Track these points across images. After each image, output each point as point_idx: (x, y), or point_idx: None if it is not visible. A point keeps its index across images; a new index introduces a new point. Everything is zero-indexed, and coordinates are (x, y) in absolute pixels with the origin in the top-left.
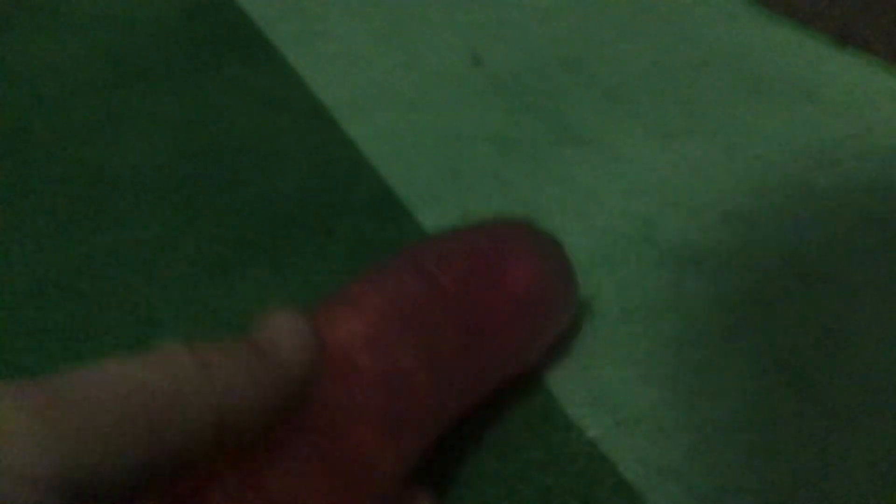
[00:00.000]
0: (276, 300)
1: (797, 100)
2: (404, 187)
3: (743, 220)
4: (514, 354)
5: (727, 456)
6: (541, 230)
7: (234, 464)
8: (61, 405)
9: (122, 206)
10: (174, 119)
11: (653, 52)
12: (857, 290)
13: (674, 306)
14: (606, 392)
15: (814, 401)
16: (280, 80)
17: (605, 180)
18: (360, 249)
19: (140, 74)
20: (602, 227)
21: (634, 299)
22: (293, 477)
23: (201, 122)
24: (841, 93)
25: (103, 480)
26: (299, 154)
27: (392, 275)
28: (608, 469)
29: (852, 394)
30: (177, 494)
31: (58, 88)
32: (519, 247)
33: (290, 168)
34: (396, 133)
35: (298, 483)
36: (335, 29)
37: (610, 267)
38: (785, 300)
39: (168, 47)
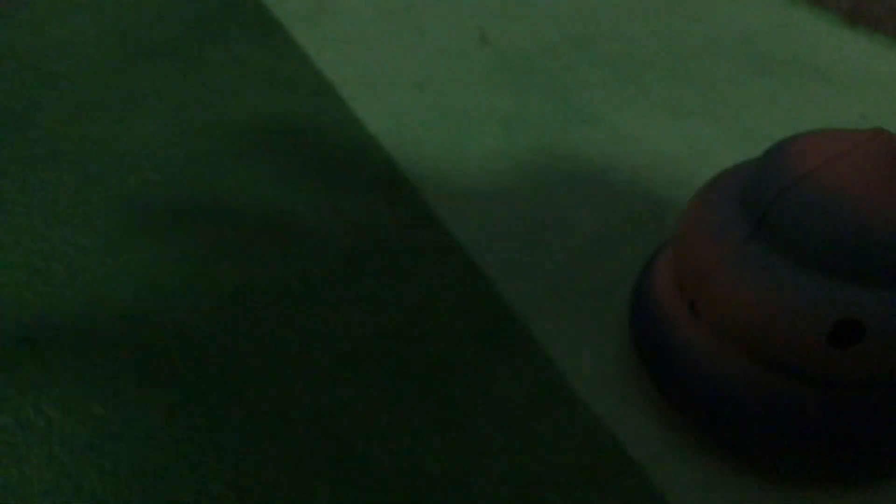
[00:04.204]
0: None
1: (807, 79)
2: (411, 165)
3: None
4: None
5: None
6: None
7: None
8: None
9: (128, 184)
10: (181, 97)
11: (662, 32)
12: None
13: None
14: (613, 368)
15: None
16: (287, 58)
17: (613, 159)
18: (366, 227)
19: (147, 53)
20: (610, 207)
21: None
22: None
23: (208, 100)
24: (851, 72)
25: None
26: (306, 132)
27: None
28: (613, 446)
29: None
30: None
31: (66, 67)
32: None
33: (297, 146)
34: (403, 111)
35: None
36: (342, 7)
37: (616, 246)
38: None
39: (175, 26)
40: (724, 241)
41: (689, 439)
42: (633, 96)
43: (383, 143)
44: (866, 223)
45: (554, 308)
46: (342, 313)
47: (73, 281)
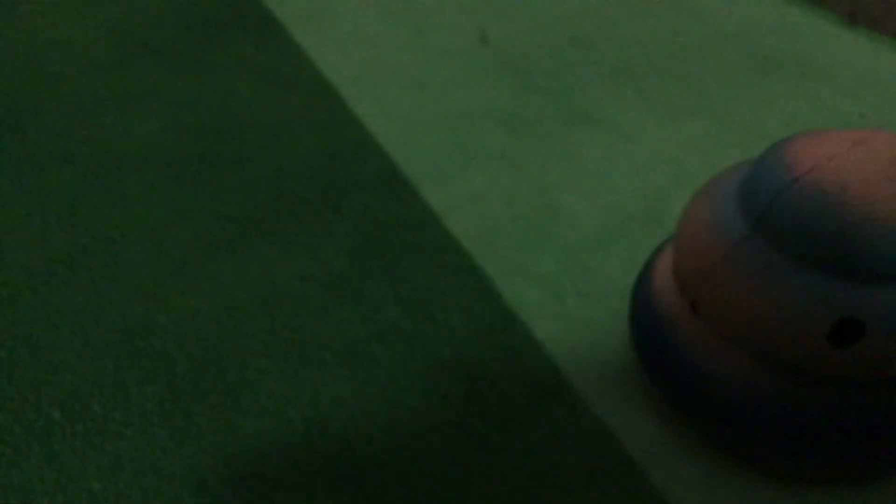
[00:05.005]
0: (284, 276)
1: (806, 79)
2: (411, 165)
3: None
4: None
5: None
6: None
7: None
8: None
9: (129, 183)
10: (181, 96)
11: (662, 32)
12: None
13: None
14: (613, 368)
15: None
16: (287, 58)
17: (613, 159)
18: (366, 227)
19: (147, 52)
20: (610, 206)
21: None
22: None
23: (208, 100)
24: (850, 72)
25: None
26: (306, 132)
27: None
28: (613, 446)
29: None
30: None
31: (65, 66)
32: None
33: (297, 146)
34: (403, 111)
35: None
36: (342, 7)
37: (617, 245)
38: None
39: (175, 25)
40: (723, 240)
41: (689, 438)
42: (634, 96)
43: (383, 142)
44: (865, 222)
45: (554, 308)
46: (342, 313)
47: (73, 281)
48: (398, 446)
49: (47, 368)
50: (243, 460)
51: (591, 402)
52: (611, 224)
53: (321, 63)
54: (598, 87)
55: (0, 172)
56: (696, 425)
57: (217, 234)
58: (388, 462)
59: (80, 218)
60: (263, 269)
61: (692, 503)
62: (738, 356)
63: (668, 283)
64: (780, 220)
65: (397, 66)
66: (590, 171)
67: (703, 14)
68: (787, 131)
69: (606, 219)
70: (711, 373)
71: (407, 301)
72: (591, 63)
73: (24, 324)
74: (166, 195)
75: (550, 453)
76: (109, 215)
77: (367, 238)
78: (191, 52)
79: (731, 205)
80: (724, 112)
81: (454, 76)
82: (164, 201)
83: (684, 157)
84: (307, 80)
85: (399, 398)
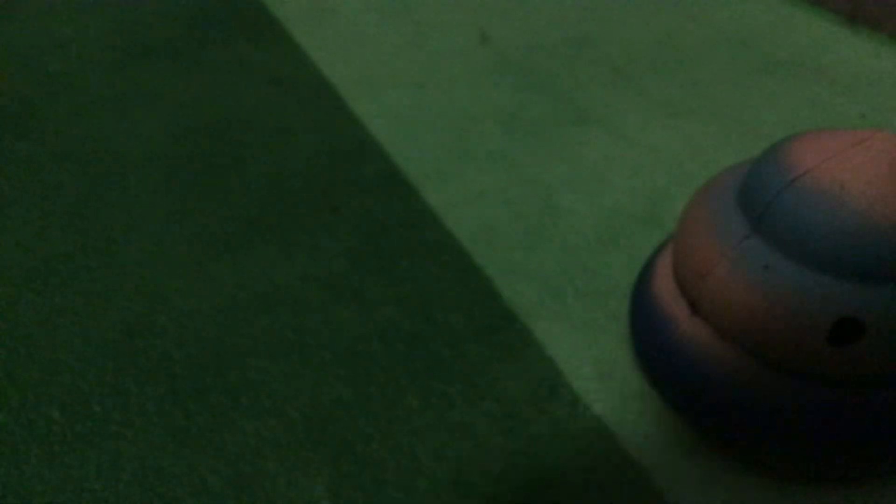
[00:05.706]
0: (284, 275)
1: (806, 79)
2: (411, 165)
3: None
4: None
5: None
6: None
7: None
8: None
9: (129, 183)
10: (181, 96)
11: (661, 32)
12: None
13: None
14: (613, 367)
15: None
16: (287, 58)
17: (613, 159)
18: (366, 227)
19: (148, 52)
20: (609, 206)
21: None
22: None
23: (208, 100)
24: (851, 72)
25: None
26: (306, 132)
27: None
28: (613, 446)
29: None
30: None
31: (66, 66)
32: None
33: (297, 145)
34: (403, 111)
35: None
36: (342, 7)
37: (617, 245)
38: None
39: (175, 25)
40: (723, 240)
41: (689, 439)
42: (633, 96)
43: (383, 142)
44: (864, 221)
45: (554, 308)
46: (342, 313)
47: (73, 281)
48: (397, 446)
49: (47, 368)
50: (243, 460)
51: (591, 402)
52: (611, 224)
53: (321, 63)
54: (598, 87)
55: (0, 172)
56: (696, 425)
57: (217, 234)
58: (388, 462)
59: (80, 218)
60: (263, 269)
61: (692, 503)
62: (738, 356)
63: (668, 283)
64: (779, 220)
65: (397, 65)
66: (590, 171)
67: (703, 14)
68: (787, 131)
69: (606, 219)
70: (711, 373)
71: (407, 301)
72: (591, 63)
73: (24, 324)
74: (166, 195)
75: (550, 453)
76: (109, 215)
77: (367, 238)
78: (191, 52)
79: (731, 205)
80: (724, 112)
81: (454, 76)
82: (164, 201)
83: (684, 157)
84: (307, 80)
85: (399, 398)
